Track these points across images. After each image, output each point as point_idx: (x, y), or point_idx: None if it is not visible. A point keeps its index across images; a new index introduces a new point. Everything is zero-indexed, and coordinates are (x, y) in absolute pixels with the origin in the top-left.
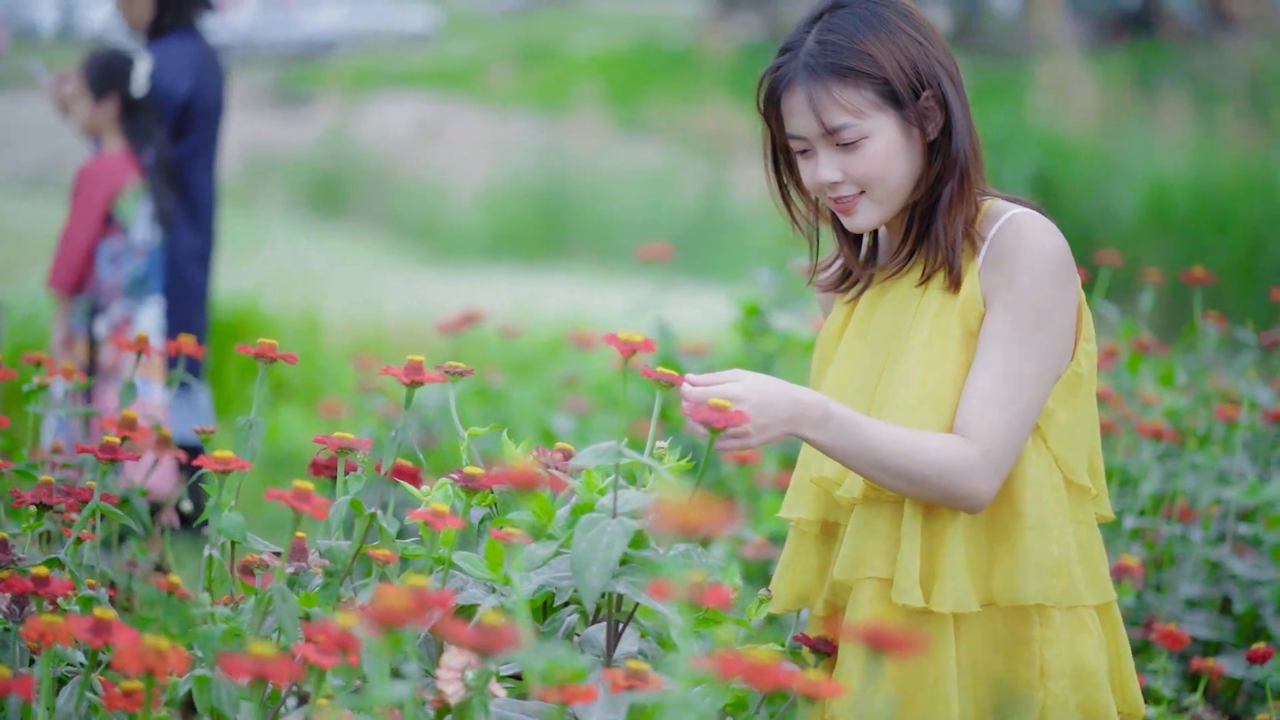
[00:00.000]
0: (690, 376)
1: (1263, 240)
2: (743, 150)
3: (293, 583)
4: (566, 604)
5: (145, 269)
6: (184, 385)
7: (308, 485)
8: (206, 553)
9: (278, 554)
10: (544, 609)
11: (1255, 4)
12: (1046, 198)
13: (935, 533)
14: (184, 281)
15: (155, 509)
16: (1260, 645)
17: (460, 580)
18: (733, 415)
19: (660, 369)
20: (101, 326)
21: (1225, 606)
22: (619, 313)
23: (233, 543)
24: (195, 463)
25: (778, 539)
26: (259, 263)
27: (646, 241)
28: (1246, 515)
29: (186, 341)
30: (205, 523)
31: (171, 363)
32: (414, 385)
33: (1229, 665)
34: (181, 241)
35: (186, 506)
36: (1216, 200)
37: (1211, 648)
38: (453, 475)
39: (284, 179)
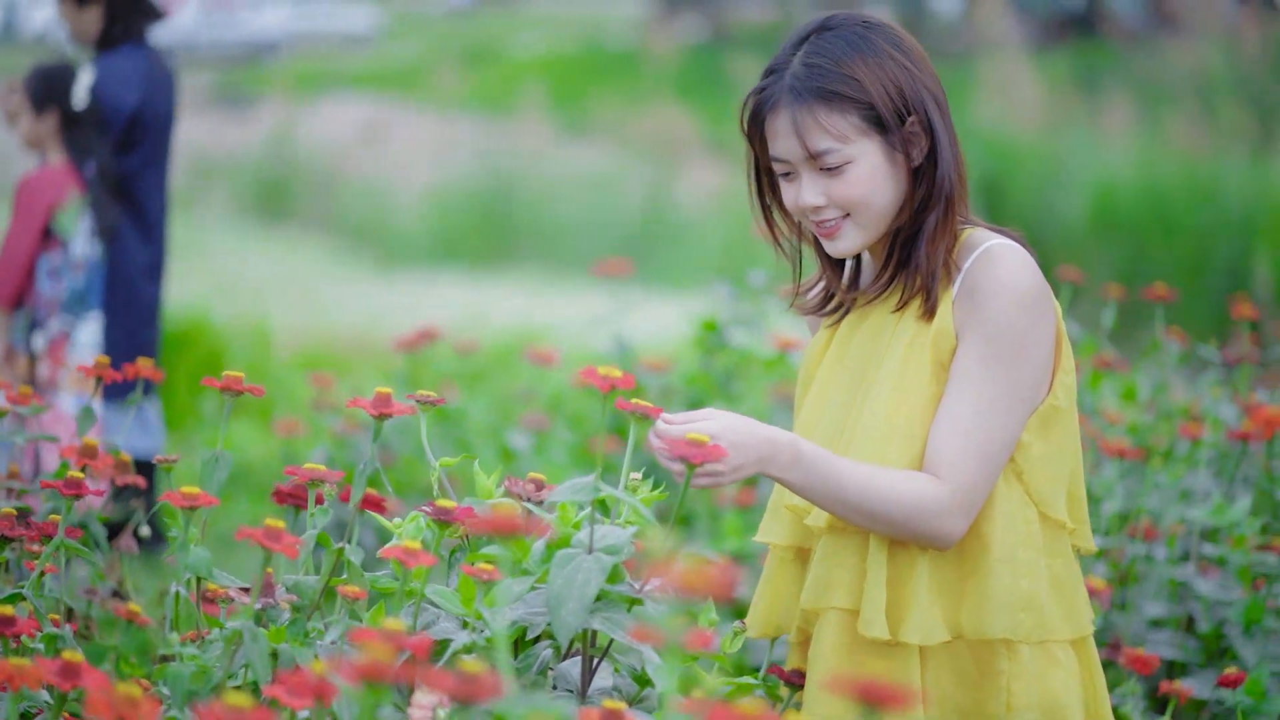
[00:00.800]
0: (665, 415)
1: (1209, 243)
2: (689, 153)
3: (260, 619)
4: (539, 638)
5: (84, 284)
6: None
7: (278, 523)
8: (173, 589)
9: (245, 589)
10: (517, 643)
11: (1198, 5)
12: (992, 200)
13: (902, 564)
14: (134, 296)
15: (112, 531)
16: (1232, 670)
17: (432, 614)
18: (710, 450)
19: (636, 400)
20: (39, 341)
21: (1188, 625)
22: (570, 321)
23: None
24: (163, 498)
25: (742, 558)
26: (205, 270)
27: (593, 245)
28: (1209, 534)
29: (144, 365)
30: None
31: (130, 384)
32: (382, 418)
33: (1196, 687)
34: (131, 255)
35: (145, 532)
36: (1163, 203)
37: (1177, 668)
38: (425, 509)
39: (227, 183)
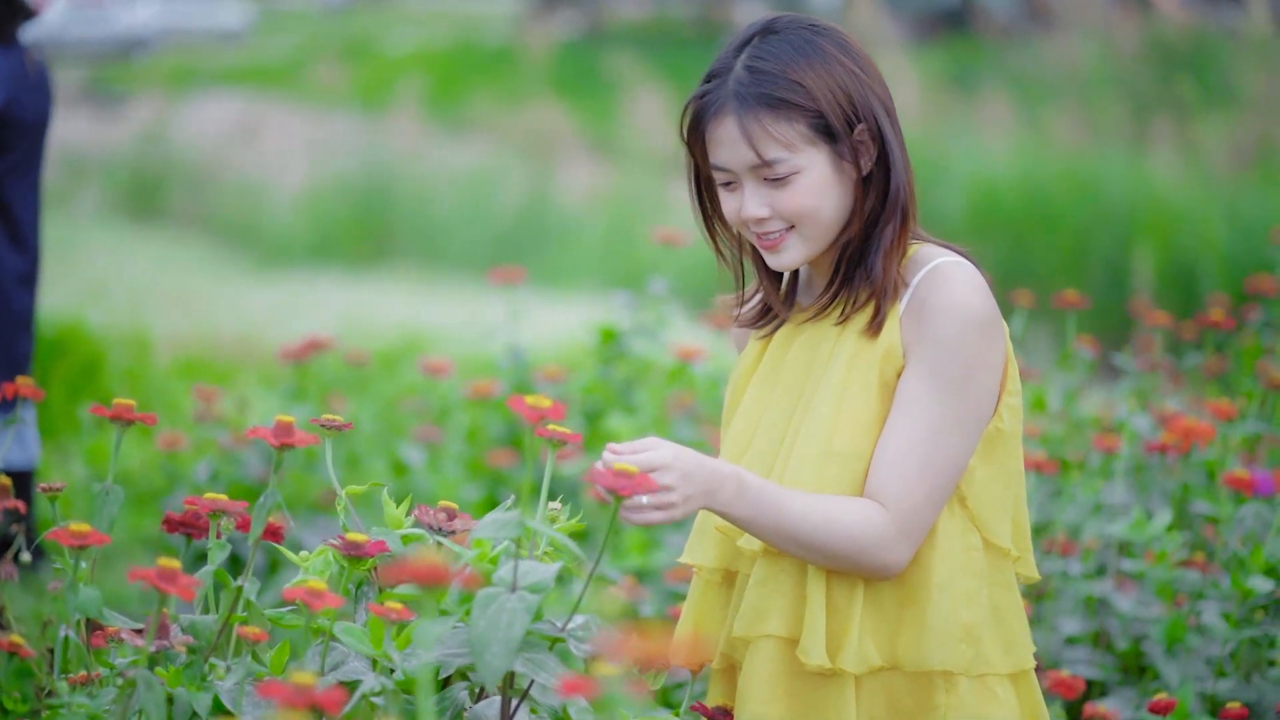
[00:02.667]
0: (611, 445)
1: (1089, 239)
2: (568, 150)
3: (155, 661)
4: (449, 679)
5: None
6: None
7: (173, 562)
8: (61, 632)
9: (138, 631)
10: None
11: (1071, 2)
12: None
13: (839, 591)
14: (6, 304)
15: None
16: (1157, 692)
17: (340, 652)
18: (639, 481)
19: (555, 428)
20: None
21: (1103, 641)
22: (455, 324)
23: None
24: (49, 536)
25: (644, 576)
26: (78, 273)
27: (472, 243)
28: (1124, 548)
29: (24, 383)
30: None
31: (9, 402)
32: (284, 448)
33: (1119, 708)
34: (4, 263)
35: (25, 558)
36: (1042, 199)
37: (1095, 687)
38: (333, 542)
39: (98, 182)
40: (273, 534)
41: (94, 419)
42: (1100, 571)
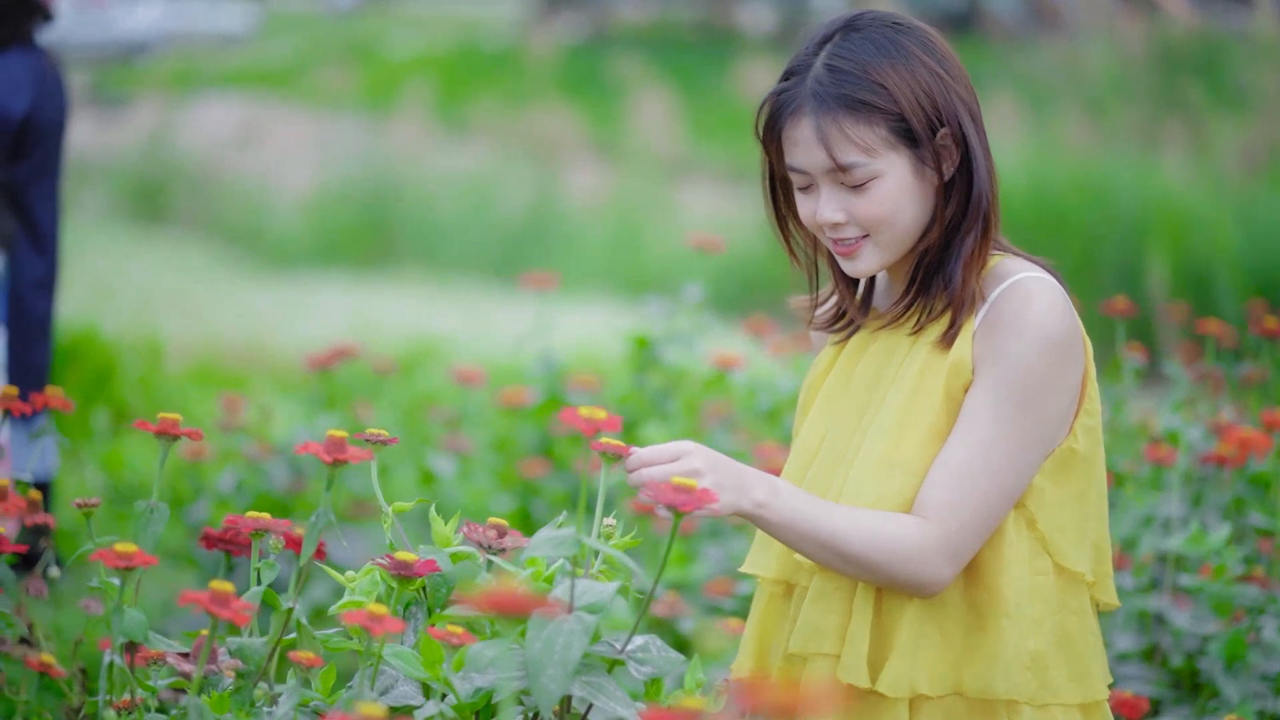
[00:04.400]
0: (636, 451)
1: (1099, 243)
2: (573, 154)
3: (201, 687)
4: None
5: None
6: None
7: (226, 586)
8: (107, 659)
9: (184, 655)
10: (481, 709)
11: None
12: None
13: (890, 609)
14: (26, 311)
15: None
16: (1213, 707)
17: (390, 675)
18: (701, 495)
19: (608, 440)
20: None
21: (1155, 656)
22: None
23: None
24: (93, 557)
25: (684, 590)
26: (86, 277)
27: (477, 247)
28: (1179, 562)
29: (54, 394)
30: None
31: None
32: (337, 464)
33: None
34: (24, 268)
35: (54, 573)
36: (1051, 203)
37: (1150, 705)
38: (381, 561)
39: (103, 185)
40: (316, 551)
41: (109, 426)
42: (1152, 586)
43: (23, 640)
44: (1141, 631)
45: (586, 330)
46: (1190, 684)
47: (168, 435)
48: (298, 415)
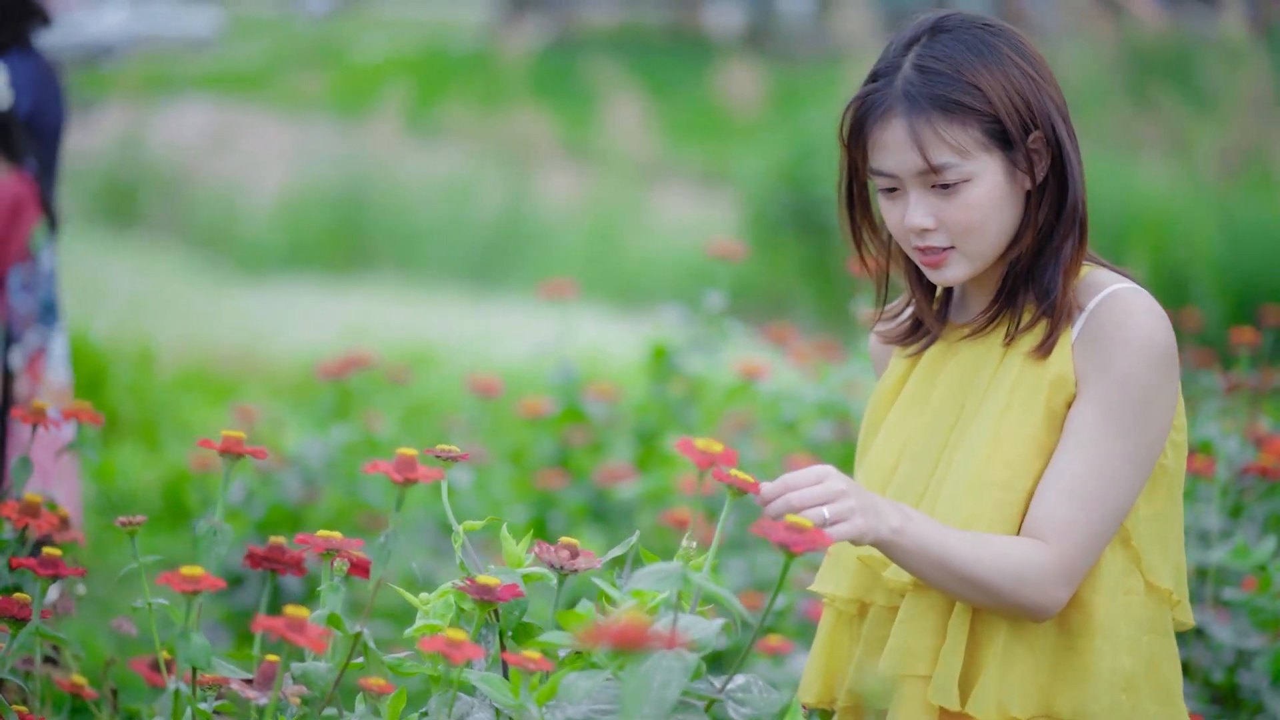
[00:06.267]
0: (780, 477)
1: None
2: (546, 157)
3: (264, 716)
4: None
5: (51, 295)
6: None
7: (301, 611)
8: (171, 685)
9: (248, 681)
10: None
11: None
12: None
13: (982, 629)
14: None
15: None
16: None
17: (465, 702)
18: (813, 536)
19: (736, 473)
20: (17, 357)
21: (1188, 670)
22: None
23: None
24: (160, 580)
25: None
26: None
27: (452, 250)
28: (1218, 575)
29: (84, 409)
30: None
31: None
32: (408, 483)
33: None
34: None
35: (81, 590)
36: None
37: None
38: (460, 584)
39: (73, 190)
40: (360, 569)
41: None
42: (1191, 599)
43: (47, 659)
44: (1183, 645)
45: (579, 336)
46: (1232, 700)
47: (231, 454)
48: (305, 424)
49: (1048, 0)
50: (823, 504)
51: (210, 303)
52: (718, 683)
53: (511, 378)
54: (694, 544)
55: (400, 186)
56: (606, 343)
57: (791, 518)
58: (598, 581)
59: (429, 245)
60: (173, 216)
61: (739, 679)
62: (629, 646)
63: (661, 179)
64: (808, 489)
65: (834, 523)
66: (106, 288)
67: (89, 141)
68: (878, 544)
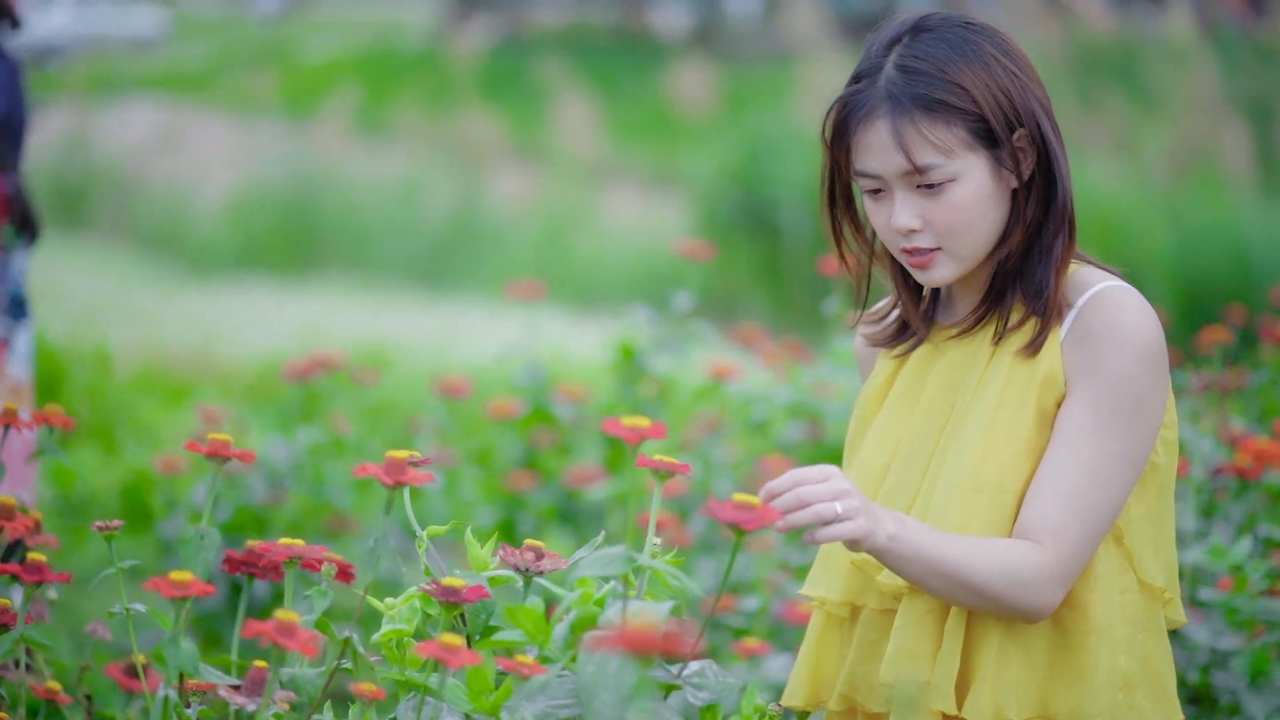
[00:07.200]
0: (794, 473)
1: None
2: (496, 157)
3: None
4: None
5: (21, 290)
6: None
7: (292, 615)
8: (160, 692)
9: (235, 687)
10: None
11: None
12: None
13: (976, 631)
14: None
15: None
16: None
17: (431, 707)
18: (762, 513)
19: (662, 458)
20: None
21: None
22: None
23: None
24: (147, 586)
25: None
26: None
27: (403, 251)
28: (1193, 576)
29: (54, 413)
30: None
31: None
32: (398, 486)
33: None
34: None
35: (53, 595)
36: None
37: None
38: (426, 587)
39: None
40: (344, 574)
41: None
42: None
43: (17, 663)
44: None
45: (541, 337)
46: (1208, 701)
47: (219, 457)
48: (266, 426)
49: (994, 0)
50: (833, 500)
51: (163, 305)
52: (674, 669)
53: (473, 379)
54: (659, 541)
55: (350, 187)
56: (564, 343)
57: (740, 496)
58: (541, 581)
59: (380, 246)
60: (122, 218)
61: (694, 665)
62: (641, 650)
63: (612, 179)
64: (817, 485)
65: (844, 519)
66: (59, 290)
67: (35, 143)
68: (874, 551)
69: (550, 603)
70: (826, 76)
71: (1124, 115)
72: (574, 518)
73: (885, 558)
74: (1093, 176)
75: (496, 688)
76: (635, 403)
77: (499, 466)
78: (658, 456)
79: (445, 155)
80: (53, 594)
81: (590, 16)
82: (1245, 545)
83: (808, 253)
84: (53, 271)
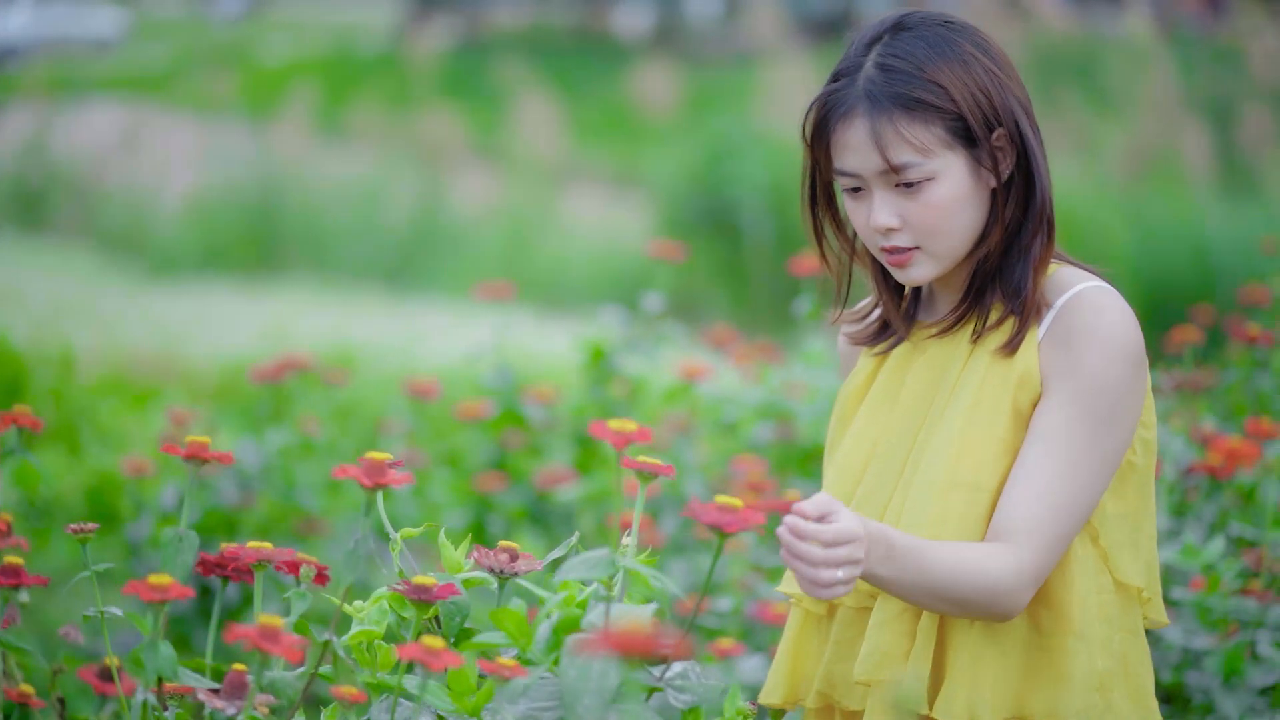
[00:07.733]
0: (796, 507)
1: None
2: (458, 158)
3: None
4: None
5: None
6: None
7: (275, 620)
8: (140, 696)
9: (214, 691)
10: None
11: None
12: (782, 206)
13: (952, 630)
14: None
15: None
16: None
17: (406, 708)
18: (744, 515)
19: (646, 460)
20: None
21: None
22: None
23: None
24: (126, 590)
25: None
26: None
27: (365, 253)
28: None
29: (23, 414)
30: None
31: None
32: (377, 488)
33: None
34: None
35: (24, 599)
36: None
37: None
38: (398, 587)
39: None
40: (321, 578)
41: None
42: None
43: None
44: None
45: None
46: (1180, 700)
47: (197, 459)
48: (233, 428)
49: (951, 0)
50: (845, 564)
51: (125, 306)
52: (656, 671)
53: (440, 380)
54: (627, 541)
55: (311, 188)
56: (531, 344)
57: (721, 498)
58: (523, 583)
59: (342, 247)
60: (83, 220)
61: (676, 667)
62: (636, 653)
63: (573, 180)
64: (831, 550)
65: (839, 584)
66: (21, 292)
67: None
68: (864, 576)
69: (528, 605)
70: (787, 78)
71: (1083, 115)
72: (544, 519)
73: (872, 581)
74: (1053, 176)
75: (478, 690)
76: (605, 404)
77: (468, 468)
78: (641, 458)
79: (407, 156)
80: (24, 597)
81: (550, 17)
82: (1217, 545)
83: (770, 254)
84: (14, 274)
